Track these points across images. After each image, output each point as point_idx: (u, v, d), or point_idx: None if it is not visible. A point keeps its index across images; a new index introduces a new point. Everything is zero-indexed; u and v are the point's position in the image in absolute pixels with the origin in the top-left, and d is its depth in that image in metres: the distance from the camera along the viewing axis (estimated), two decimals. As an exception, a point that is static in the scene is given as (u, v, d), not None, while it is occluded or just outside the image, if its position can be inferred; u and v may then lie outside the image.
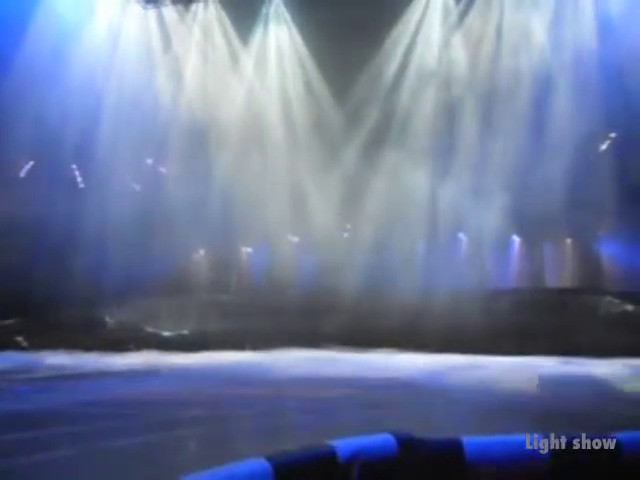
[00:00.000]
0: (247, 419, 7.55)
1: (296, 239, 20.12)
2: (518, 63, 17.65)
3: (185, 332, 17.49)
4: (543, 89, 17.17)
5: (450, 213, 17.46)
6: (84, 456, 5.49)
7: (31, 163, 19.24)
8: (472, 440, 3.94)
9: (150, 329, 17.64)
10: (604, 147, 17.54)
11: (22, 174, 19.17)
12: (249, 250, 20.97)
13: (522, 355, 13.63)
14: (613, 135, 17.48)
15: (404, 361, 13.43)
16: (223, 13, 19.95)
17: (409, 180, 17.48)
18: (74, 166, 19.67)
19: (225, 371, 12.49)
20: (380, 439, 3.86)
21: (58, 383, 11.04)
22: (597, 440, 3.96)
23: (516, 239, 18.90)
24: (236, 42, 20.04)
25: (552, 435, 4.02)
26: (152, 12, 19.94)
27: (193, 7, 20.05)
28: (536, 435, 4.01)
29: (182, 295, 18.45)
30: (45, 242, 17.24)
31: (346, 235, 19.59)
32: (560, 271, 18.43)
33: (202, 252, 20.63)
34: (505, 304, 16.24)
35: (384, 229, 17.49)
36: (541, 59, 17.50)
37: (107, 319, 18.16)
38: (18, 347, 16.37)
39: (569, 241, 18.60)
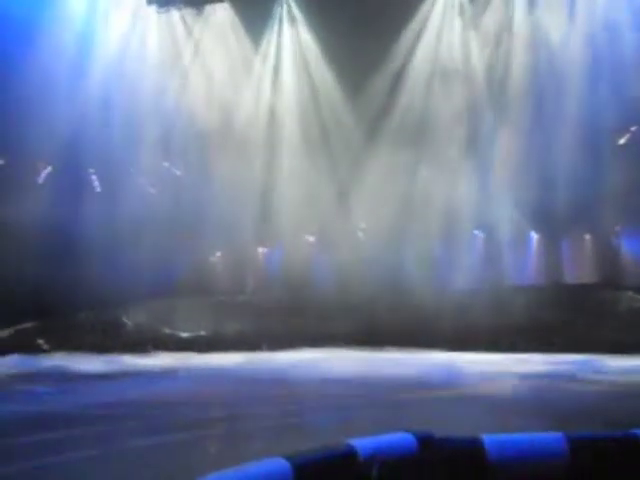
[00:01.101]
0: (265, 419, 7.56)
1: (312, 239, 20.12)
2: (535, 58, 17.47)
3: (203, 333, 17.58)
4: (560, 84, 16.98)
5: (467, 210, 17.32)
6: (105, 457, 5.54)
7: (49, 168, 19.46)
8: (492, 438, 3.91)
9: (168, 330, 17.76)
10: (623, 141, 17.30)
11: (40, 179, 19.40)
12: (265, 250, 21.01)
13: (541, 352, 13.50)
14: (633, 129, 17.25)
15: (421, 359, 13.37)
16: (236, 16, 20.00)
17: (425, 178, 17.40)
18: (91, 170, 19.87)
19: (242, 371, 12.53)
20: (399, 438, 3.84)
21: (78, 385, 11.15)
22: (617, 437, 3.91)
23: (534, 235, 18.73)
24: (249, 44, 20.09)
25: (572, 433, 3.98)
26: (165, 16, 20.07)
27: (206, 10, 20.13)
28: (556, 433, 3.97)
29: (199, 296, 18.54)
30: (64, 245, 17.41)
31: (361, 234, 19.54)
32: (579, 267, 18.21)
33: (219, 253, 20.72)
34: (523, 301, 16.08)
35: (400, 227, 17.42)
36: (558, 53, 17.29)
37: (125, 321, 18.32)
38: (39, 350, 16.57)
39: (588, 236, 18.37)
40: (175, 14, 20.02)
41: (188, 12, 20.07)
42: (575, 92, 16.65)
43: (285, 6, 19.83)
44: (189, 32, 20.21)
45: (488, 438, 3.91)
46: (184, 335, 17.57)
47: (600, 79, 16.41)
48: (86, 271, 17.44)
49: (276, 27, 19.95)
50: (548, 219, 17.33)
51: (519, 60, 17.67)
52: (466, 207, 17.22)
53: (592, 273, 18.07)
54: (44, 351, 16.40)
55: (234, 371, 12.63)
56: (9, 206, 16.90)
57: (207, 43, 20.20)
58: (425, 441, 3.85)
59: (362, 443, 3.72)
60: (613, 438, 3.88)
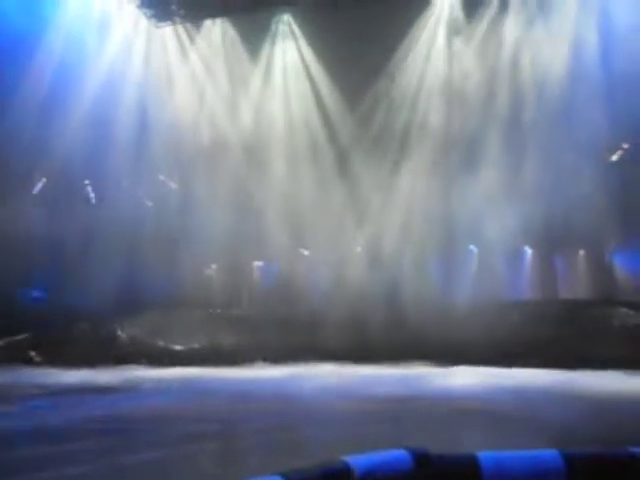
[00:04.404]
0: (260, 434, 7.51)
1: (307, 253, 20.15)
2: (530, 74, 17.67)
3: (196, 346, 17.51)
4: (555, 100, 17.15)
5: (462, 225, 17.40)
6: (100, 473, 5.49)
7: (44, 180, 19.47)
8: (488, 455, 3.90)
9: (162, 343, 17.68)
10: (616, 157, 17.47)
11: (35, 191, 19.41)
12: (260, 264, 21.02)
13: (535, 368, 13.49)
14: (626, 146, 17.42)
15: (417, 374, 13.34)
16: (234, 30, 20.19)
17: (421, 192, 17.48)
18: (86, 182, 19.89)
19: (237, 385, 12.47)
20: (395, 455, 3.83)
21: (71, 398, 11.07)
22: (613, 455, 3.92)
23: (528, 250, 18.80)
24: (247, 58, 20.25)
25: (568, 450, 3.98)
26: (164, 30, 20.21)
27: (204, 25, 20.30)
28: (552, 450, 3.97)
29: (194, 309, 18.50)
30: (58, 257, 17.38)
31: (359, 249, 19.58)
32: (573, 283, 18.28)
33: (214, 266, 20.71)
34: (517, 316, 16.10)
35: (396, 242, 17.47)
36: (553, 70, 17.48)
37: (119, 333, 18.23)
38: (31, 362, 16.47)
39: (582, 252, 18.46)
40: (174, 29, 20.18)
41: (187, 27, 20.23)
42: (569, 109, 16.82)
43: (283, 21, 20.01)
44: (188, 47, 20.37)
45: (484, 455, 3.91)
46: (178, 348, 17.50)
47: (594, 96, 16.58)
48: (80, 283, 17.40)
49: (274, 41, 20.13)
50: (543, 235, 17.41)
51: (514, 77, 17.85)
52: (462, 222, 17.29)
53: (586, 289, 18.13)
54: (36, 364, 16.29)
55: (228, 385, 12.56)
56: (4, 218, 16.88)
57: (205, 57, 20.35)
58: (421, 458, 3.84)
59: (357, 460, 3.71)
60: (609, 455, 3.88)
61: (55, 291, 18.33)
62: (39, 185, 19.45)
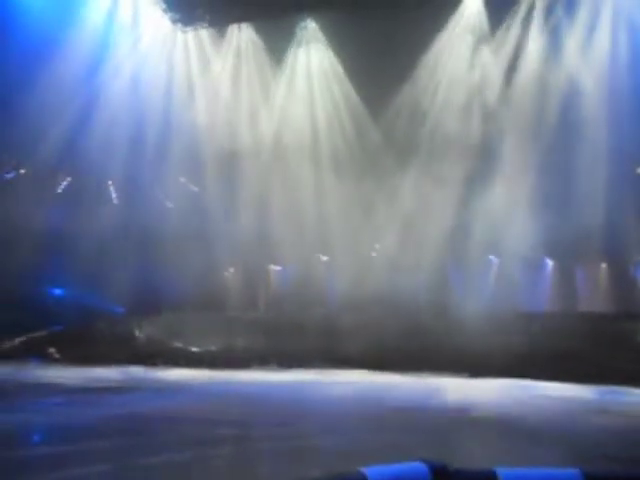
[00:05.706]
0: (274, 440, 7.49)
1: (325, 258, 20.15)
2: (555, 85, 17.50)
3: (213, 348, 17.57)
4: (580, 110, 16.96)
5: (482, 235, 17.26)
6: (115, 473, 5.51)
7: (68, 179, 19.75)
8: (507, 472, 3.83)
9: (178, 344, 17.79)
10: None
11: (59, 190, 19.69)
12: (278, 268, 21.06)
13: (553, 381, 13.30)
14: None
15: (432, 384, 13.23)
16: (258, 36, 20.30)
17: (441, 201, 17.38)
18: (110, 182, 20.13)
19: (252, 389, 12.49)
20: (412, 467, 3.78)
21: (87, 396, 11.18)
22: (634, 473, 3.83)
23: (549, 262, 18.59)
24: (270, 64, 20.34)
25: (589, 469, 3.89)
26: (188, 35, 20.37)
27: (228, 30, 20.44)
28: (573, 469, 3.89)
29: (211, 311, 18.58)
30: (79, 256, 17.57)
31: (375, 255, 19.52)
32: (594, 295, 18.02)
33: (232, 269, 20.80)
34: (536, 328, 15.90)
35: (415, 250, 17.39)
36: (579, 80, 17.31)
37: (137, 333, 18.37)
38: (49, 358, 16.68)
39: (604, 265, 18.19)
40: (198, 33, 20.33)
41: (211, 32, 20.38)
42: (595, 119, 16.62)
43: (307, 27, 20.05)
44: (212, 51, 20.52)
45: (502, 471, 3.84)
46: (194, 350, 17.59)
47: (621, 106, 16.36)
48: (100, 282, 17.58)
49: (298, 48, 20.18)
50: (564, 246, 17.21)
51: (539, 87, 17.69)
52: (482, 232, 17.15)
53: (608, 302, 17.86)
54: (54, 360, 16.49)
55: (243, 389, 12.58)
56: (27, 215, 17.14)
57: (229, 63, 20.49)
58: (438, 471, 3.79)
59: (374, 471, 3.66)
60: (631, 477, 3.79)
61: (75, 289, 18.54)
62: (63, 184, 19.73)
